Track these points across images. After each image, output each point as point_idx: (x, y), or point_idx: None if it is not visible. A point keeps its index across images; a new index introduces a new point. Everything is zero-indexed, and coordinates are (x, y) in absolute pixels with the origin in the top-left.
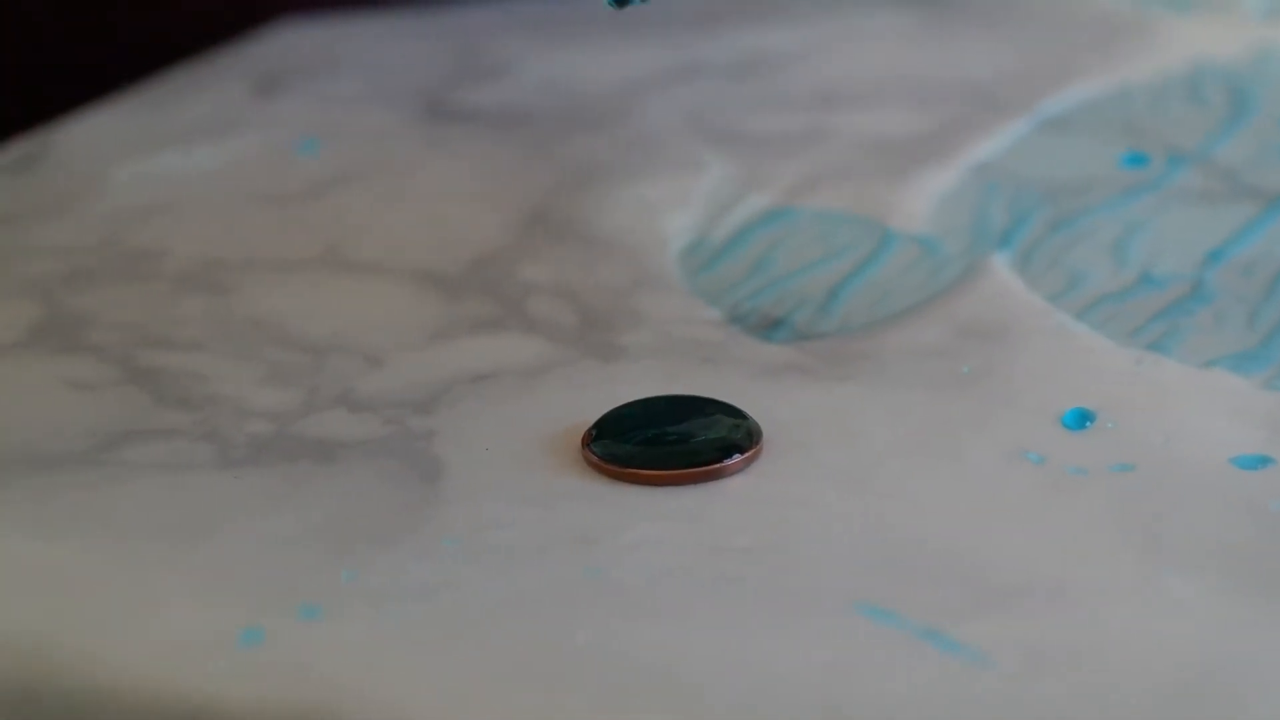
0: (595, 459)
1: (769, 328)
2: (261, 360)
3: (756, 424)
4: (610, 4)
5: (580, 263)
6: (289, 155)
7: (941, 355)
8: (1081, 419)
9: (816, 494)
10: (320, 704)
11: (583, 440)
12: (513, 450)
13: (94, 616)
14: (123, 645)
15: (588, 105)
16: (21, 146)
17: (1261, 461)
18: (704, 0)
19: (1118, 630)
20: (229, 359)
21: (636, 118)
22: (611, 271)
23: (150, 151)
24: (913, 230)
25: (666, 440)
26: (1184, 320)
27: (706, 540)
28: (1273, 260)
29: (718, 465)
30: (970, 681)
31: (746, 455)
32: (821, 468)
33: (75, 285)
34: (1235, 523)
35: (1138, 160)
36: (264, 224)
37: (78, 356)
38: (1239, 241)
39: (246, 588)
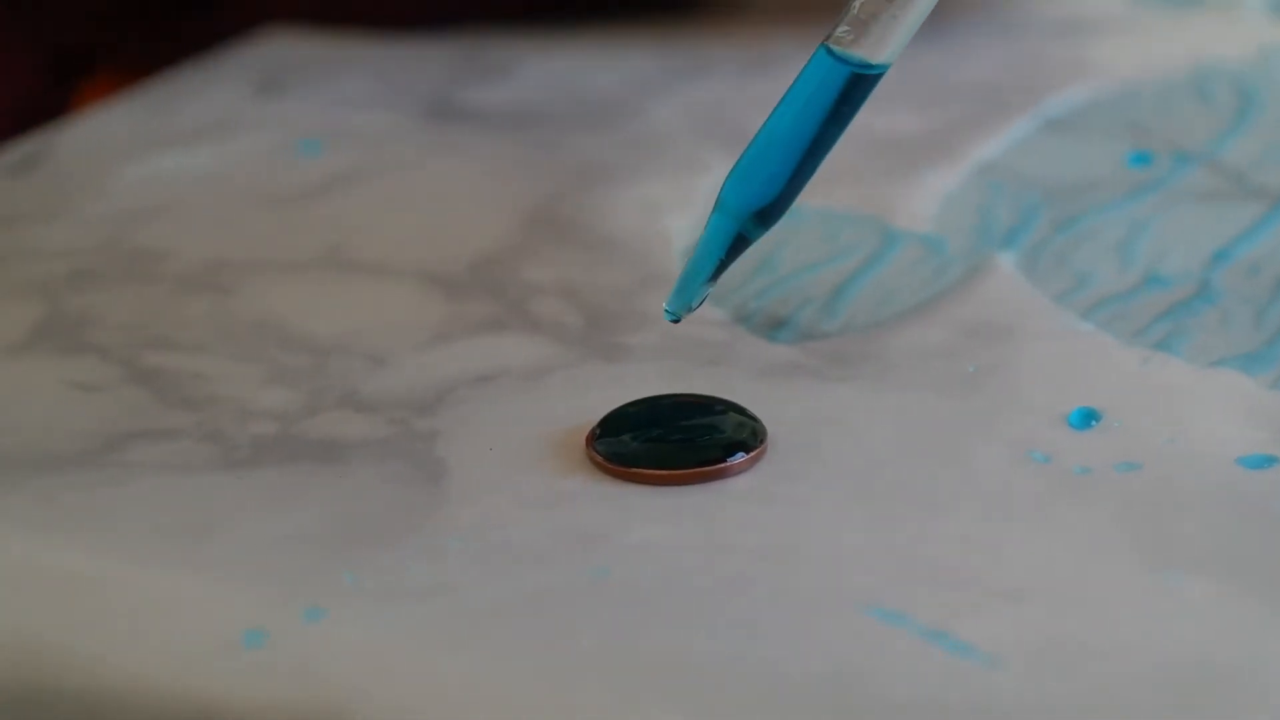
0: (599, 458)
1: (774, 327)
2: (264, 361)
3: (762, 423)
4: (670, 317)
5: (584, 263)
6: (291, 156)
7: (947, 355)
8: (1087, 418)
9: (822, 494)
10: (325, 705)
11: (587, 440)
12: (516, 450)
13: (97, 618)
14: (126, 647)
15: (591, 105)
16: (24, 147)
17: (1268, 461)
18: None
19: (1125, 630)
20: (232, 360)
21: (640, 118)
22: (615, 272)
23: (153, 152)
24: (918, 230)
25: (671, 439)
26: (1190, 320)
27: (712, 540)
28: (1279, 260)
29: (723, 465)
30: (978, 682)
31: (752, 455)
32: (827, 467)
33: (78, 286)
34: (1241, 523)
35: (1143, 160)
36: (267, 225)
37: (80, 357)
38: (1245, 241)
39: (250, 589)
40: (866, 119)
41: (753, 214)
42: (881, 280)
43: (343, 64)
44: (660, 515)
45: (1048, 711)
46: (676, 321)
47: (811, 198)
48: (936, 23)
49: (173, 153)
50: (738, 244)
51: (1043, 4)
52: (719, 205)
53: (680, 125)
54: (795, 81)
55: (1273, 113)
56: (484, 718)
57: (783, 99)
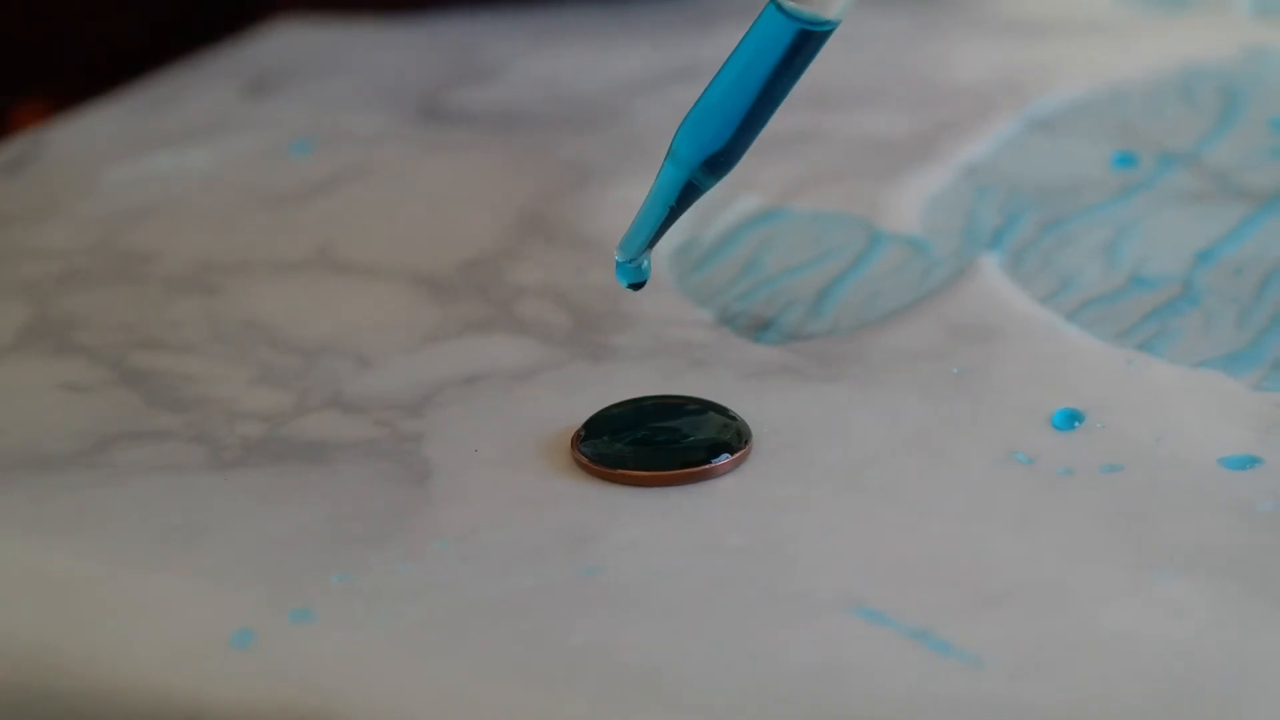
0: (585, 460)
1: (759, 329)
2: (253, 362)
3: (746, 424)
4: (626, 277)
5: (571, 264)
6: (281, 156)
7: (932, 356)
8: (1071, 419)
9: (806, 494)
10: (312, 705)
11: (572, 442)
12: (503, 451)
13: (87, 619)
14: (115, 647)
15: (580, 107)
16: (14, 147)
17: (1250, 462)
18: (695, 2)
19: (1107, 630)
20: (221, 360)
21: (628, 119)
22: (602, 273)
23: (143, 152)
24: (903, 231)
25: (656, 441)
26: (1174, 321)
27: (697, 540)
28: (1263, 261)
29: (708, 466)
30: (961, 682)
31: (736, 456)
32: (811, 468)
33: (67, 287)
34: (1224, 523)
35: (1128, 161)
36: (256, 225)
37: (70, 358)
38: (1229, 242)
39: (238, 589)
40: (853, 120)
41: (703, 163)
42: (867, 281)
43: (333, 64)
44: (646, 516)
45: (1031, 711)
46: (639, 286)
47: (798, 199)
48: (922, 24)
49: (163, 152)
50: (688, 192)
51: (1029, 5)
52: (670, 154)
53: (666, 126)
54: (745, 36)
55: (1257, 114)
56: (469, 717)
57: (732, 53)
